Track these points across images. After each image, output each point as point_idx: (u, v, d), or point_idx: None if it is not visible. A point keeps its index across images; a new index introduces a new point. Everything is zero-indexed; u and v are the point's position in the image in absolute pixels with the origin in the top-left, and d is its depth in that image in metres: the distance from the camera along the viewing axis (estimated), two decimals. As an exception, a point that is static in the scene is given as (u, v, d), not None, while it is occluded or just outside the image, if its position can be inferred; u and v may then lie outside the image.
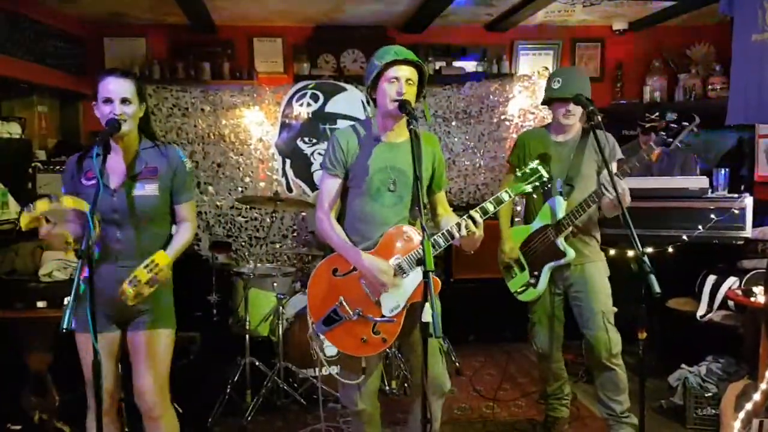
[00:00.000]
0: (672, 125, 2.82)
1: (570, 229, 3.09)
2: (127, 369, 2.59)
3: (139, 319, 2.46)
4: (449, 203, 2.72)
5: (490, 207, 2.47)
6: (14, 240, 3.59)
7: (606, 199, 2.87)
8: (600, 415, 3.31)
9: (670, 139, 2.81)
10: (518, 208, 4.63)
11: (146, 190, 2.42)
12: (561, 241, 3.10)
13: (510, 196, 2.51)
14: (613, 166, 3.12)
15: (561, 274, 3.19)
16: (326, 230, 2.54)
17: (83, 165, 2.42)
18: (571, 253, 3.08)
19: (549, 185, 2.58)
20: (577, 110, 3.07)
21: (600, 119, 2.82)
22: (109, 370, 2.42)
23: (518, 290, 3.31)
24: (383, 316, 2.49)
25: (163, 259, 2.33)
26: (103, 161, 2.22)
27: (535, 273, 3.22)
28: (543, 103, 3.24)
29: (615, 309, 3.10)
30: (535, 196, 3.14)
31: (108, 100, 2.32)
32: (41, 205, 2.15)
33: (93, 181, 2.31)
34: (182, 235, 2.53)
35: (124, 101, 2.33)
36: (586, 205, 3.00)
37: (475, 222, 2.40)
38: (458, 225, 2.42)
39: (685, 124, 2.79)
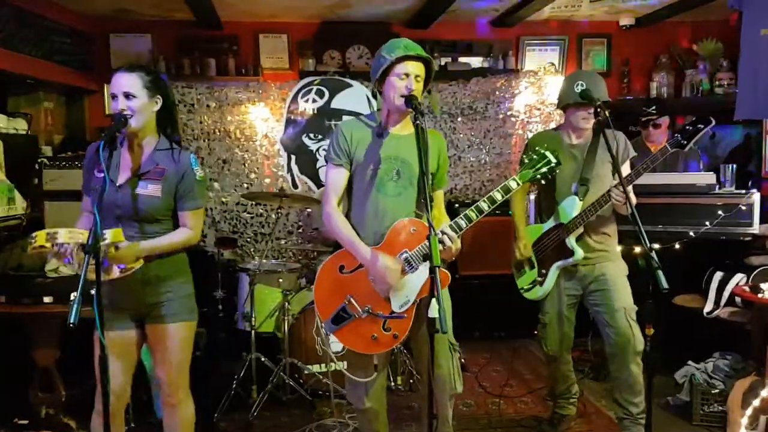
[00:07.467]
0: (687, 127, 2.75)
1: (581, 229, 3.05)
2: (138, 366, 2.60)
3: (156, 312, 2.45)
4: (455, 200, 2.71)
5: (498, 196, 2.46)
6: (21, 236, 3.60)
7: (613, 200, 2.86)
8: (614, 415, 3.26)
9: (685, 141, 2.76)
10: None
11: (149, 189, 2.39)
12: (570, 241, 3.06)
13: (518, 184, 2.48)
14: (627, 165, 3.11)
15: (577, 274, 3.14)
16: (334, 226, 2.51)
17: (98, 157, 2.40)
18: (579, 253, 3.05)
19: (557, 171, 2.54)
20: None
21: (608, 114, 2.79)
22: (119, 370, 2.40)
23: (525, 287, 3.30)
24: (393, 313, 2.45)
25: (117, 236, 2.19)
26: (110, 156, 2.21)
27: (543, 271, 3.20)
28: (562, 107, 3.16)
29: (636, 307, 3.03)
30: (557, 199, 3.11)
31: (114, 96, 2.35)
32: (40, 239, 2.12)
33: (102, 175, 2.31)
34: (172, 236, 2.44)
35: (127, 96, 2.33)
36: (598, 205, 2.96)
37: (450, 238, 2.39)
38: None
39: (700, 126, 2.72)
